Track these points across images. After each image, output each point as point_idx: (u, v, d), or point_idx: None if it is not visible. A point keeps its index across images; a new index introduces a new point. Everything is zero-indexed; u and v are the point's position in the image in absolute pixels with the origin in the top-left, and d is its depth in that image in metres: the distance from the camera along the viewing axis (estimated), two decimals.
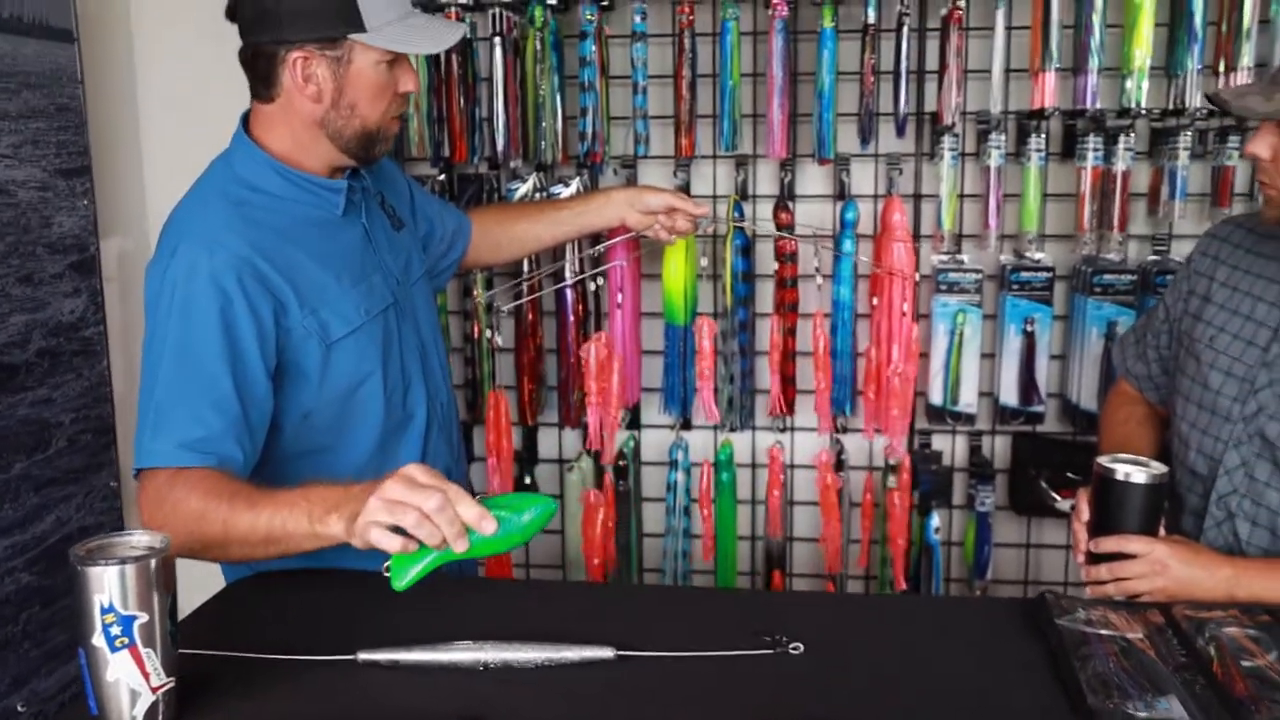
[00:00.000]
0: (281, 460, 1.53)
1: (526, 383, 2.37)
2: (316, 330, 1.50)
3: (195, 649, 1.20)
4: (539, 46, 2.19)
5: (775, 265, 2.27)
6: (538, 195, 2.25)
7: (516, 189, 2.26)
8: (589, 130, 2.21)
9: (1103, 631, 1.31)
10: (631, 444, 2.41)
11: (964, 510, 2.41)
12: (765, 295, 2.34)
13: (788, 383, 2.28)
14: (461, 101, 2.25)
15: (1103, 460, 1.50)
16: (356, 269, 1.58)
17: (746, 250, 2.26)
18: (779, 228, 2.25)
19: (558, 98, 2.23)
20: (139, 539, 1.13)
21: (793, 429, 2.41)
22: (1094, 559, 1.50)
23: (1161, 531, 1.50)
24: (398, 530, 1.20)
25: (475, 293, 2.33)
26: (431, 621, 1.27)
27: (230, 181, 1.54)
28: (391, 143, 1.61)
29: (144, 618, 1.08)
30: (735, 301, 2.26)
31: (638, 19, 2.19)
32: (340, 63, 1.49)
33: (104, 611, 1.07)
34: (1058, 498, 2.30)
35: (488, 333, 2.34)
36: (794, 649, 1.28)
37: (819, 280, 2.22)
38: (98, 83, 2.42)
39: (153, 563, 1.09)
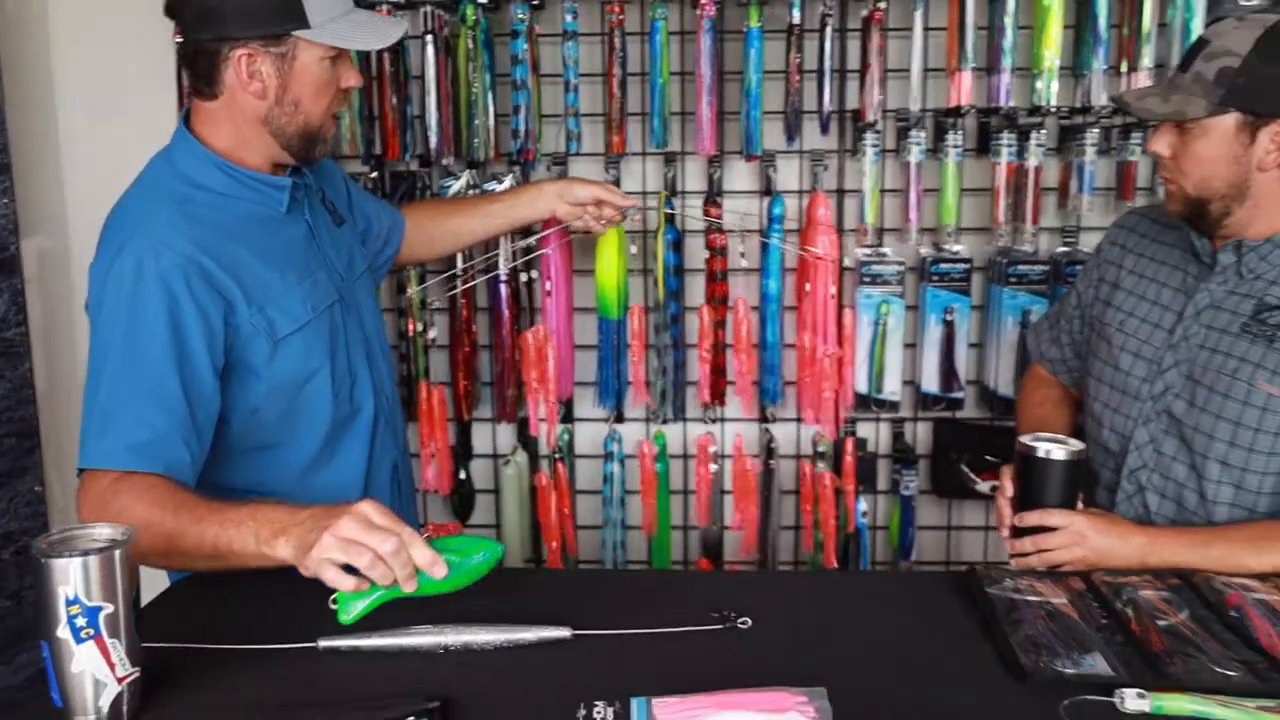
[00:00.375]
0: (229, 455, 1.53)
1: (461, 378, 2.39)
2: (264, 328, 1.51)
3: (153, 642, 1.20)
4: (471, 45, 2.21)
5: (706, 256, 2.33)
6: (471, 192, 2.28)
7: (450, 186, 2.28)
8: (521, 128, 2.24)
9: (1030, 598, 1.40)
10: (566, 437, 2.44)
11: (888, 495, 2.50)
12: (696, 289, 2.39)
13: (718, 374, 2.34)
14: (394, 99, 2.26)
15: (1024, 439, 1.59)
16: (301, 265, 1.59)
17: (677, 245, 2.31)
18: (709, 221, 2.31)
19: (489, 96, 2.26)
20: (101, 531, 1.13)
21: (723, 419, 2.47)
22: (1018, 533, 1.59)
23: (1080, 505, 1.59)
24: (348, 568, 1.21)
25: (409, 289, 2.34)
26: (391, 608, 1.29)
27: (173, 178, 1.54)
28: (330, 143, 1.62)
29: (109, 608, 1.08)
30: (667, 295, 2.31)
31: (568, 18, 2.23)
32: (285, 59, 1.50)
33: (69, 603, 1.07)
34: (977, 480, 2.40)
35: (420, 327, 2.35)
36: (742, 623, 1.33)
37: (744, 262, 2.27)
38: (15, 82, 2.38)
39: (117, 553, 1.09)
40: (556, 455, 2.38)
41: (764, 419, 2.45)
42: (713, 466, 2.37)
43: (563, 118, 2.28)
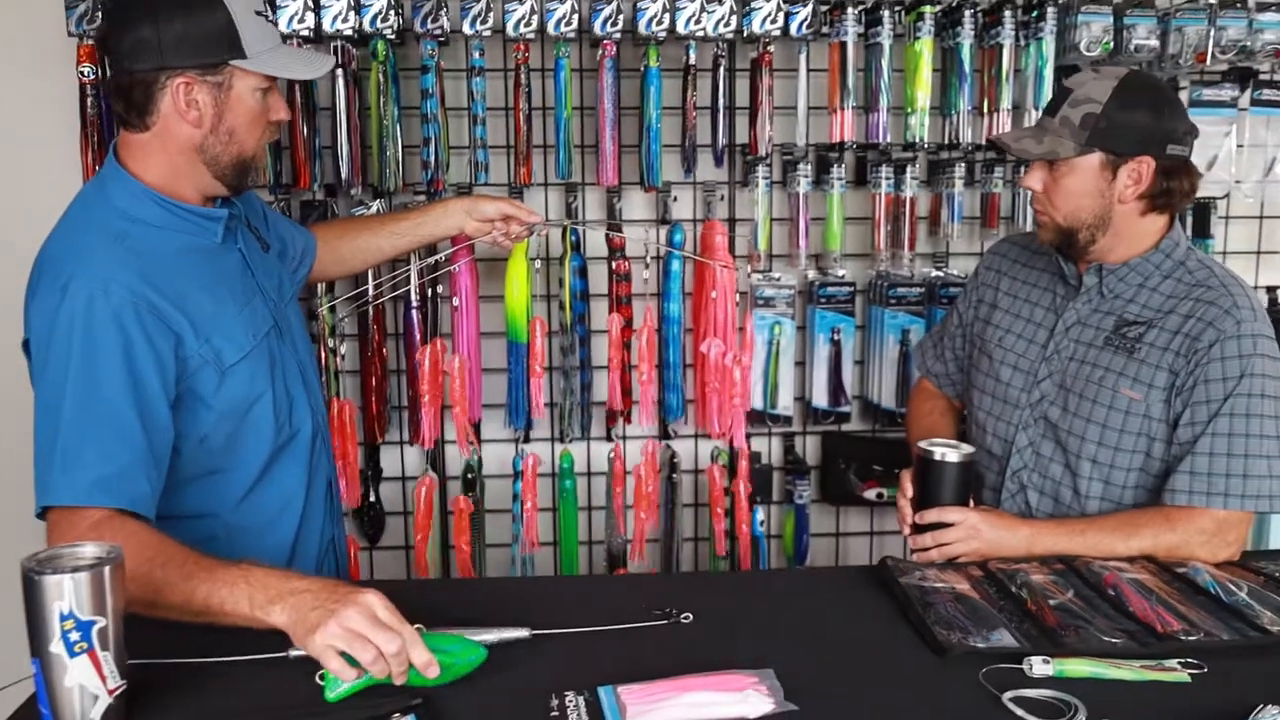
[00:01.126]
0: (177, 483, 1.54)
1: (373, 401, 2.44)
2: (211, 358, 1.53)
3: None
4: (381, 79, 2.28)
5: (613, 267, 2.45)
6: None
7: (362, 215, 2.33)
8: (432, 159, 2.32)
9: (938, 585, 1.55)
10: (476, 458, 2.51)
11: (781, 505, 2.65)
12: (600, 313, 2.50)
13: (624, 393, 2.45)
14: (305, 130, 2.30)
15: (922, 444, 1.75)
16: (240, 294, 1.62)
17: (583, 271, 2.42)
18: (612, 249, 2.43)
19: (398, 128, 2.33)
20: (86, 550, 1.16)
21: (625, 437, 2.58)
22: (918, 529, 1.74)
23: (972, 503, 1.76)
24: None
25: (320, 313, 2.37)
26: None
27: (108, 212, 1.54)
28: (260, 172, 1.67)
29: (101, 622, 1.12)
30: (574, 319, 2.42)
31: (476, 55, 2.32)
32: (221, 88, 1.53)
33: (63, 618, 1.10)
34: (863, 487, 2.58)
35: (331, 346, 2.39)
36: (685, 618, 1.45)
37: (645, 275, 2.37)
38: None
39: (107, 569, 1.13)
40: (470, 475, 2.44)
41: (666, 435, 2.58)
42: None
43: (470, 149, 2.37)
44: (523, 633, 1.38)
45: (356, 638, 1.22)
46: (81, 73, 2.24)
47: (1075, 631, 1.39)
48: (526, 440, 2.53)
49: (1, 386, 1.99)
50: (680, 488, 2.54)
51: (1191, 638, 1.36)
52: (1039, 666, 1.28)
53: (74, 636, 1.11)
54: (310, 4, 2.22)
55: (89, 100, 2.25)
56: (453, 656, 1.29)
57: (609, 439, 2.55)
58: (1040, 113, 1.91)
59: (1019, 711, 1.19)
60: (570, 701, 1.22)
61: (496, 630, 1.37)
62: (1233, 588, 1.52)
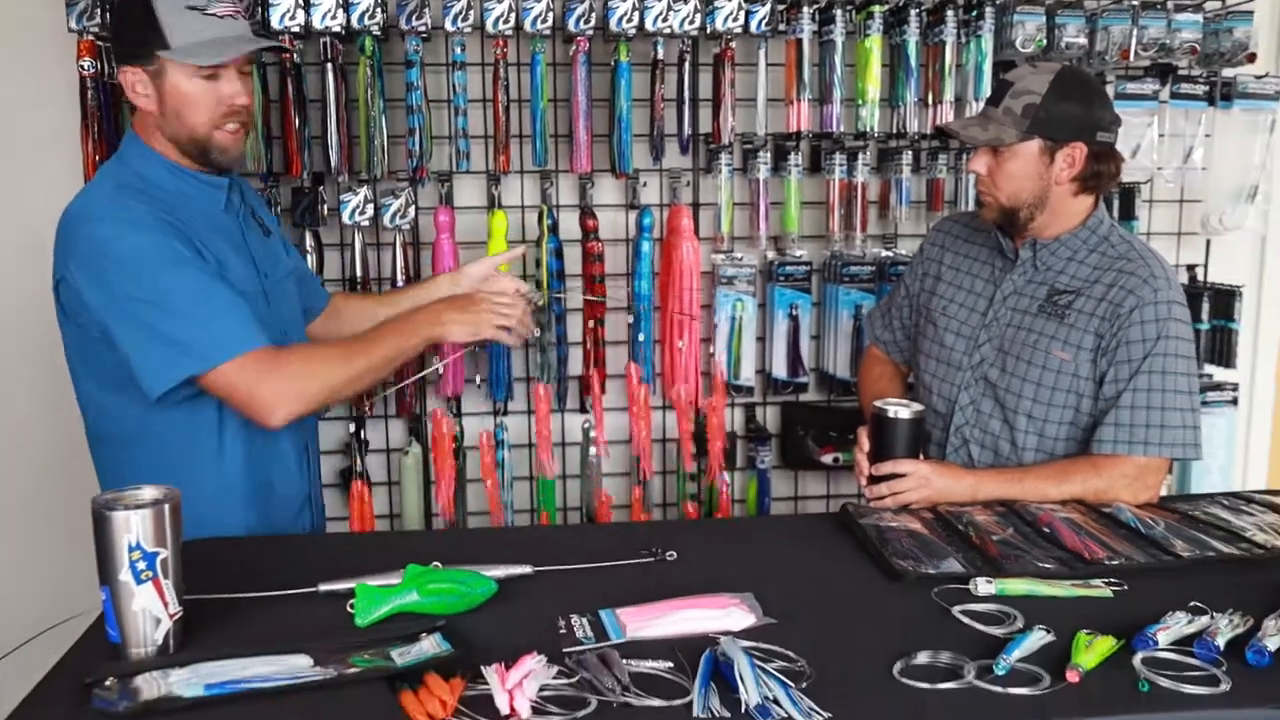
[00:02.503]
0: (159, 408, 1.72)
1: None
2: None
3: None
4: (369, 72, 2.42)
5: (586, 248, 2.61)
6: (368, 206, 2.48)
7: (349, 201, 2.47)
8: (416, 148, 2.46)
9: (893, 524, 1.75)
10: (458, 429, 2.65)
11: (744, 470, 2.84)
12: (575, 293, 2.66)
13: (599, 367, 2.62)
14: (296, 122, 2.44)
15: (876, 403, 1.94)
16: (235, 252, 1.80)
17: (559, 252, 2.58)
18: (586, 232, 2.60)
19: (383, 119, 2.47)
20: (146, 492, 1.31)
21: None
22: (874, 480, 1.93)
23: (921, 456, 1.95)
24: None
25: None
26: (377, 560, 1.50)
27: (126, 173, 1.76)
28: (233, 153, 1.80)
29: (163, 553, 1.27)
30: (550, 298, 2.58)
31: (458, 50, 2.47)
32: (157, 77, 1.72)
33: (131, 549, 1.25)
34: (820, 453, 2.77)
35: None
36: (669, 556, 1.62)
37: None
38: None
39: (166, 507, 1.28)
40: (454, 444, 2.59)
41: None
42: (593, 450, 2.63)
43: (452, 139, 2.52)
44: (526, 569, 1.54)
45: (505, 314, 1.90)
46: (81, 67, 2.35)
47: (1015, 559, 1.58)
48: (505, 413, 2.69)
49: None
50: (650, 454, 2.70)
51: (1114, 562, 1.56)
52: (983, 586, 1.47)
53: (140, 566, 1.26)
54: (300, 2, 2.36)
55: (89, 94, 2.36)
56: (468, 586, 1.45)
57: (583, 410, 2.72)
58: (983, 103, 2.09)
59: (967, 620, 1.38)
60: (575, 622, 1.39)
61: (502, 567, 1.53)
62: (1151, 523, 1.73)
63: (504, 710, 1.14)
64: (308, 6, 2.36)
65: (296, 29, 2.37)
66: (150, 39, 1.69)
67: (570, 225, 2.64)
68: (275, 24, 2.35)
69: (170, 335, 1.65)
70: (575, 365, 2.67)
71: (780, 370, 2.74)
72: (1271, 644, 1.26)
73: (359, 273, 2.53)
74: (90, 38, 2.35)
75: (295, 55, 2.41)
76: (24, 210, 2.37)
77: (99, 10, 2.33)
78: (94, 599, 1.30)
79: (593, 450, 2.56)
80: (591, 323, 2.62)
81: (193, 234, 1.70)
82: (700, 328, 2.65)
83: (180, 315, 1.65)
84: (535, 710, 1.14)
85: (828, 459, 2.77)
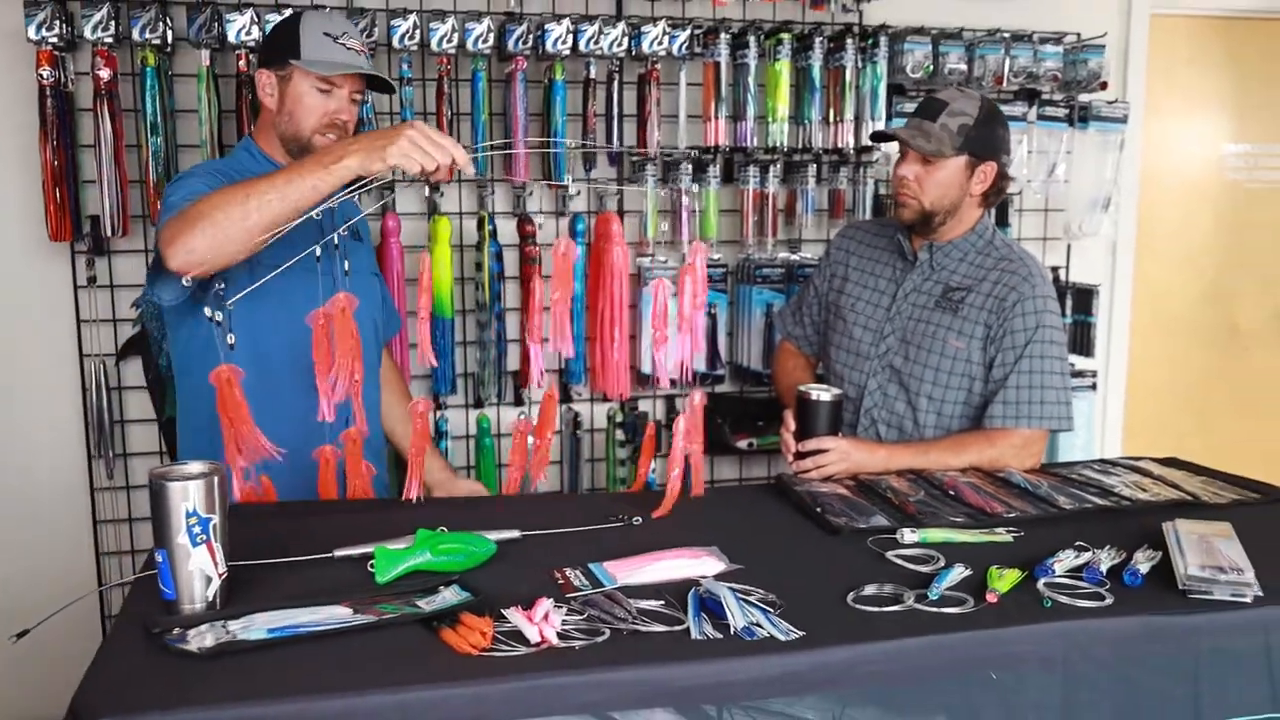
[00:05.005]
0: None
1: None
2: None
3: None
4: None
5: (524, 252, 2.82)
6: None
7: None
8: None
9: (824, 490, 2.01)
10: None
11: (666, 457, 3.07)
12: (513, 293, 2.86)
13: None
14: None
15: (801, 388, 2.20)
16: (298, 247, 1.91)
17: (499, 256, 2.78)
18: (523, 237, 2.80)
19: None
20: (194, 467, 1.47)
21: (531, 402, 2.95)
22: (799, 456, 2.19)
23: (841, 433, 2.22)
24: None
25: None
26: (384, 529, 1.68)
27: (223, 163, 2.10)
28: None
29: (215, 519, 1.43)
30: (491, 298, 2.77)
31: (404, 67, 2.65)
32: (284, 81, 2.03)
33: (188, 515, 1.41)
34: (736, 439, 3.03)
35: None
36: (636, 521, 1.85)
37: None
38: None
39: (215, 479, 1.44)
40: None
41: (567, 400, 2.97)
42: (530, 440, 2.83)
43: None
44: (515, 534, 1.75)
45: (425, 145, 1.71)
46: (41, 75, 2.44)
47: (930, 515, 1.85)
48: (444, 407, 2.87)
49: None
50: (582, 444, 2.93)
51: (1011, 514, 1.85)
52: (909, 535, 1.73)
53: (196, 530, 1.42)
54: (255, 19, 2.50)
55: (48, 102, 2.45)
56: (472, 547, 1.64)
57: (519, 403, 2.92)
58: (916, 118, 2.27)
59: (899, 562, 1.64)
60: (570, 574, 1.60)
61: (496, 532, 1.73)
62: (1037, 483, 2.03)
63: (534, 639, 1.34)
64: (261, 24, 2.50)
65: (253, 44, 2.51)
66: (287, 49, 2.01)
67: (508, 231, 2.84)
68: (232, 39, 2.49)
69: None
70: (513, 361, 2.87)
71: (700, 364, 2.99)
72: (1143, 569, 1.56)
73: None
74: (49, 48, 2.45)
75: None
76: None
77: (57, 21, 2.43)
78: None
79: (530, 440, 2.76)
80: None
81: None
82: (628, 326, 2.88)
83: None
84: (561, 637, 1.35)
85: (743, 444, 3.04)
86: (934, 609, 1.46)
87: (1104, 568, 1.57)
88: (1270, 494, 1.98)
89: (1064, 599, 1.48)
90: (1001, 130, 2.24)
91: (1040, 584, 1.53)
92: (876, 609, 1.46)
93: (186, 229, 1.77)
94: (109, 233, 2.55)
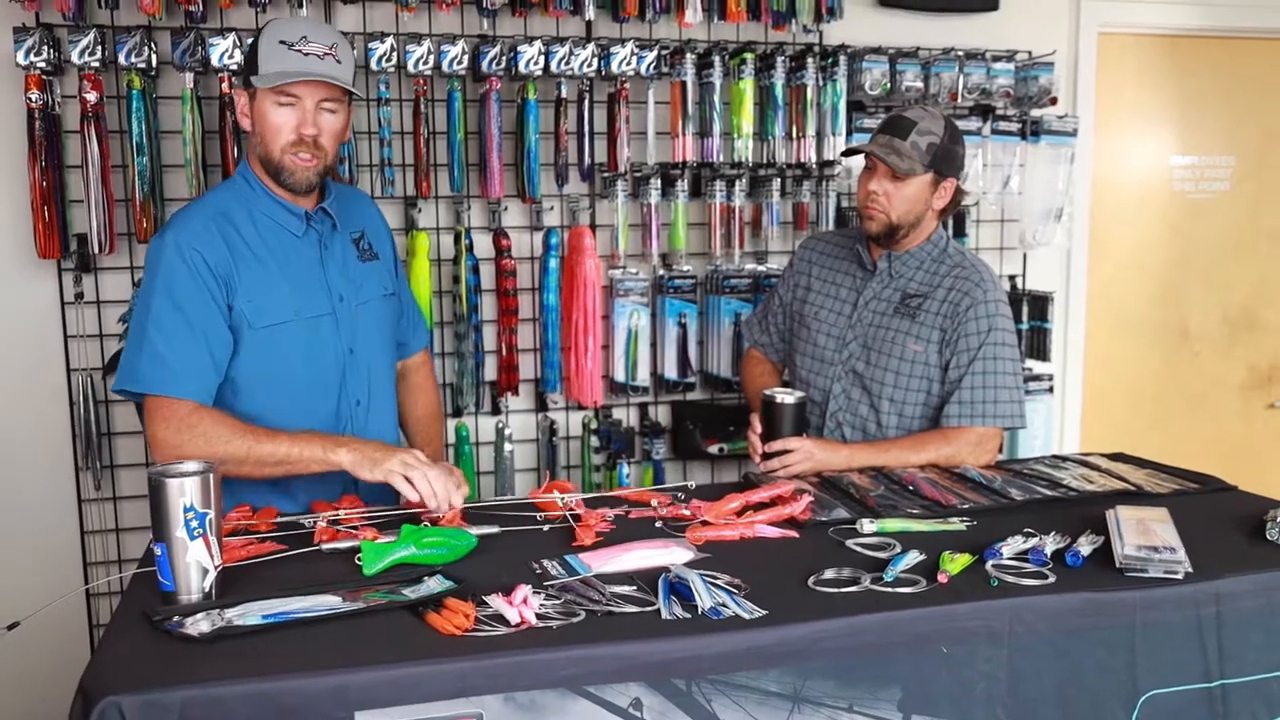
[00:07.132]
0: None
1: None
2: (242, 314, 1.95)
3: None
4: None
5: (500, 265, 2.91)
6: None
7: None
8: (346, 175, 2.72)
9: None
10: None
11: (640, 462, 3.17)
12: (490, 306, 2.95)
13: (511, 372, 2.92)
14: (235, 152, 2.66)
15: (766, 392, 2.31)
16: (297, 277, 2.01)
17: (476, 270, 2.87)
18: (499, 250, 2.90)
19: None
20: (189, 465, 1.56)
21: (509, 410, 3.04)
22: (766, 456, 2.29)
23: (806, 434, 2.32)
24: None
25: None
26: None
27: (222, 193, 2.04)
28: (299, 179, 1.96)
29: (210, 514, 1.52)
30: (469, 311, 2.86)
31: (382, 88, 2.75)
32: (253, 100, 1.96)
33: (186, 510, 1.49)
34: (706, 444, 3.13)
35: None
36: (690, 487, 2.00)
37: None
38: None
39: (211, 476, 1.53)
40: None
41: (544, 408, 3.06)
42: (507, 447, 2.93)
43: (381, 167, 2.78)
44: (494, 529, 1.84)
45: (415, 468, 1.82)
46: (29, 98, 2.52)
47: (889, 508, 1.95)
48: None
49: None
50: (558, 451, 3.02)
51: (965, 505, 1.96)
52: (868, 526, 1.84)
53: (193, 524, 1.50)
54: (237, 42, 2.59)
55: (36, 124, 2.53)
56: (454, 540, 1.73)
57: (496, 412, 3.01)
58: (885, 135, 2.34)
59: (858, 549, 1.74)
60: (548, 564, 1.69)
61: (477, 527, 1.82)
62: (991, 478, 2.14)
63: (515, 620, 1.43)
64: (242, 46, 2.59)
65: (235, 66, 2.60)
66: (250, 66, 1.94)
67: (484, 245, 2.94)
68: (215, 63, 2.58)
69: (131, 347, 1.94)
70: (490, 371, 2.96)
71: (671, 372, 3.10)
72: (1084, 551, 1.67)
73: None
74: (37, 72, 2.53)
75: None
76: None
77: (45, 47, 2.52)
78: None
79: (507, 447, 2.86)
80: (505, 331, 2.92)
81: (239, 257, 1.94)
82: (600, 335, 2.98)
83: (144, 337, 1.91)
84: (540, 618, 1.44)
85: (713, 449, 3.14)
86: (889, 589, 1.56)
87: (1049, 550, 1.68)
88: (1209, 484, 2.10)
89: (1010, 579, 1.59)
90: (960, 149, 2.36)
91: (989, 565, 1.64)
92: (835, 590, 1.56)
93: (183, 449, 1.84)
94: (96, 250, 2.62)
